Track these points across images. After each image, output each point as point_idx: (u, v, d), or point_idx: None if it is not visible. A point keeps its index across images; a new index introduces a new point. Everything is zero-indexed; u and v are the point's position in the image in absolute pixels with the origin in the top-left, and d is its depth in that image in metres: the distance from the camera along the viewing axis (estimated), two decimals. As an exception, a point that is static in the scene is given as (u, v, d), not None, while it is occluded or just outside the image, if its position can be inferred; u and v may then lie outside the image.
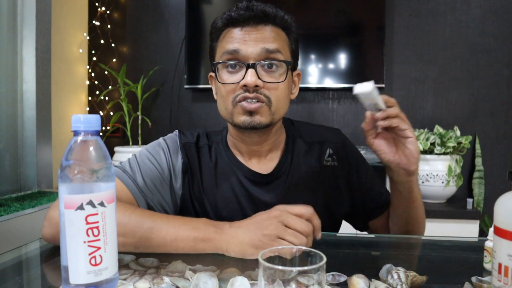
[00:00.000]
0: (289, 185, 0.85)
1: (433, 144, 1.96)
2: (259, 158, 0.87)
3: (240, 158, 0.87)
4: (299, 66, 1.03)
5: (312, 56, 2.20)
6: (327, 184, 0.88)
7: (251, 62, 0.76)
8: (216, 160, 0.87)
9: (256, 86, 0.75)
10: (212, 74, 0.85)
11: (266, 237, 0.62)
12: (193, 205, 0.85)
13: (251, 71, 0.75)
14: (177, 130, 0.91)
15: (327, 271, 0.55)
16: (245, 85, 0.75)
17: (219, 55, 0.80)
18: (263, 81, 0.76)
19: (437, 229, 1.84)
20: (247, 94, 0.76)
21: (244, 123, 0.77)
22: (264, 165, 0.87)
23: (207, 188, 0.85)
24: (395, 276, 0.52)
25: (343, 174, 0.90)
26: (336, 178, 0.89)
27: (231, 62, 0.78)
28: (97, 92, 2.44)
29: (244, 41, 0.77)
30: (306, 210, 0.67)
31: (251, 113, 0.76)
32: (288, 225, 0.64)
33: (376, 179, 0.94)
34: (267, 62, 0.77)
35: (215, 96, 0.85)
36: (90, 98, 2.45)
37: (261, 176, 0.85)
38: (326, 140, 0.91)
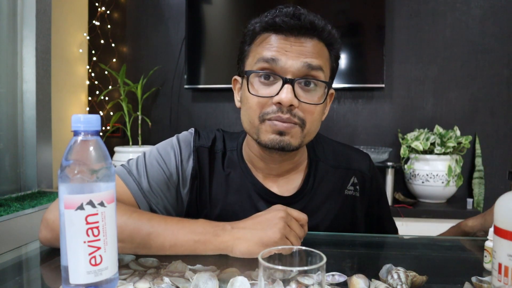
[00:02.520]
0: (306, 211, 0.79)
1: (433, 144, 1.96)
2: (276, 177, 0.82)
3: (254, 173, 0.82)
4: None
5: (312, 56, 2.20)
6: (345, 212, 0.84)
7: (289, 76, 0.68)
8: (229, 171, 0.82)
9: (291, 105, 0.68)
10: (237, 78, 0.79)
11: (276, 234, 0.62)
12: (198, 212, 0.81)
13: (288, 87, 0.67)
14: (193, 129, 0.85)
15: (327, 271, 0.55)
16: (279, 102, 0.68)
17: (253, 61, 0.72)
18: (299, 100, 0.69)
19: (437, 229, 1.83)
20: (280, 114, 0.69)
21: (272, 142, 0.70)
22: (281, 186, 0.81)
23: (215, 198, 0.81)
24: (395, 276, 0.52)
25: (363, 205, 0.86)
26: (354, 208, 0.85)
27: (267, 72, 0.70)
28: (97, 92, 2.44)
29: (285, 51, 0.69)
30: (303, 216, 0.69)
31: (281, 132, 0.70)
32: (290, 227, 0.65)
33: (389, 212, 0.94)
34: (306, 79, 0.70)
35: (237, 104, 0.78)
36: (90, 98, 2.45)
37: (277, 198, 0.79)
38: (352, 167, 0.86)
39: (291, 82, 0.68)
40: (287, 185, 0.82)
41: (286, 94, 0.67)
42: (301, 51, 0.69)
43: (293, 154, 0.78)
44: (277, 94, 0.68)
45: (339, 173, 0.85)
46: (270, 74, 0.70)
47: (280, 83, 0.69)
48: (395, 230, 0.95)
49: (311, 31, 0.70)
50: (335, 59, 0.77)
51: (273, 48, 0.70)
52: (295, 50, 0.69)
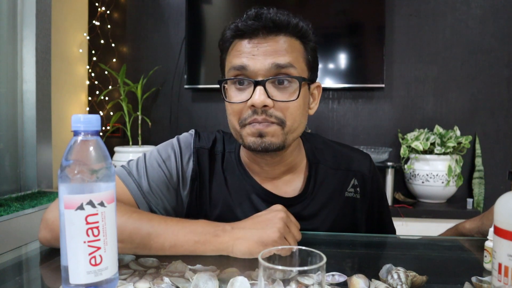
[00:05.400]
0: (306, 214, 0.80)
1: (433, 144, 1.96)
2: (273, 180, 0.82)
3: (252, 175, 0.82)
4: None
5: (312, 56, 2.20)
6: (345, 215, 0.84)
7: (259, 78, 0.69)
8: (227, 173, 0.82)
9: (265, 106, 0.69)
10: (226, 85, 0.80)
11: (275, 233, 0.62)
12: (198, 213, 0.81)
13: (259, 89, 0.68)
14: (193, 130, 0.86)
15: (327, 271, 0.55)
16: (253, 105, 0.69)
17: (227, 70, 0.74)
18: (273, 100, 0.69)
19: (437, 229, 1.84)
20: (255, 117, 0.69)
21: (254, 145, 0.71)
22: (279, 188, 0.81)
23: (215, 199, 0.81)
24: (395, 276, 0.52)
25: (363, 207, 0.86)
26: (355, 210, 0.85)
27: (238, 78, 0.71)
28: (97, 92, 2.44)
29: (252, 55, 0.70)
30: (297, 223, 0.70)
31: (261, 134, 0.70)
32: (289, 228, 0.66)
33: (388, 211, 0.94)
34: (277, 78, 0.70)
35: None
36: (90, 98, 2.45)
37: (277, 199, 0.79)
38: (352, 168, 0.85)
39: (262, 83, 0.69)
40: (285, 187, 0.82)
41: (258, 96, 0.68)
42: (268, 52, 0.69)
43: (284, 155, 0.78)
44: (251, 97, 0.69)
45: (339, 175, 0.84)
46: (242, 79, 0.71)
47: (252, 86, 0.70)
48: (393, 232, 0.95)
49: (275, 29, 0.70)
50: (312, 51, 0.76)
51: (241, 55, 0.71)
52: (262, 52, 0.69)
